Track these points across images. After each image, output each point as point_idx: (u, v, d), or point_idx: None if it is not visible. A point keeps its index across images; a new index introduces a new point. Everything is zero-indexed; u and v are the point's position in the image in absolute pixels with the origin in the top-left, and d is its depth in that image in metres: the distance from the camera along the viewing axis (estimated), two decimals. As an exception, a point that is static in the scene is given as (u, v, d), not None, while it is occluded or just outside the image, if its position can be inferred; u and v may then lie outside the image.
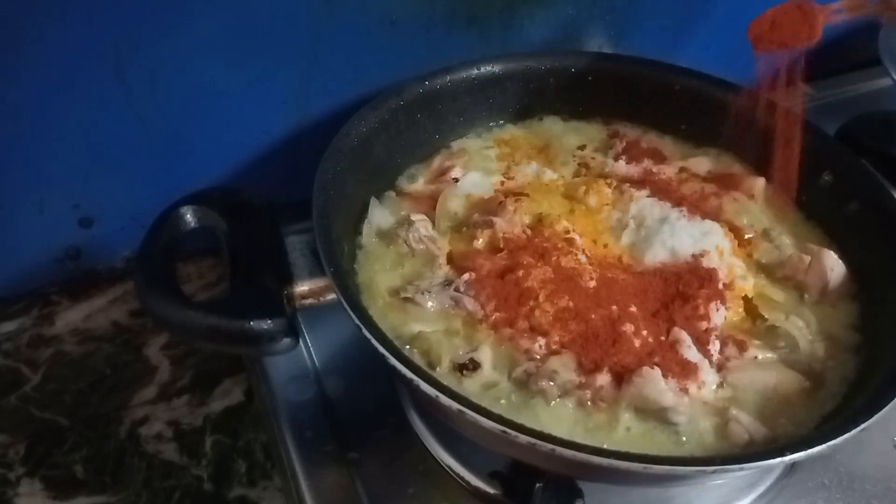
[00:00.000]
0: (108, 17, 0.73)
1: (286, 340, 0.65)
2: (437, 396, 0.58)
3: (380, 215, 0.78)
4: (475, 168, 0.83)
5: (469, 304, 0.70)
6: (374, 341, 0.61)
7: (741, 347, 0.70)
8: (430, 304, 0.70)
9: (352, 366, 0.78)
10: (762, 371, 0.68)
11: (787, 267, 0.76)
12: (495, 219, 0.76)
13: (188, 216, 0.71)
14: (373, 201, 0.78)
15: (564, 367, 0.66)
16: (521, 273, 0.71)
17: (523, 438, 0.56)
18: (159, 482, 0.81)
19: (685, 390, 0.66)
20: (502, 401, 0.65)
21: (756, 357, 0.70)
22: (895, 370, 0.65)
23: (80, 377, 0.86)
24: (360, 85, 0.85)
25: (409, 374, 0.59)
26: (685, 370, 0.67)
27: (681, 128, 0.89)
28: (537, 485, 0.64)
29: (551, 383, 0.65)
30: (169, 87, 0.79)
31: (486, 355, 0.67)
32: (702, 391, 0.66)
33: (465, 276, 0.71)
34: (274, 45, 0.81)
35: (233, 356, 0.87)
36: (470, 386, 0.66)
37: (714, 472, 0.57)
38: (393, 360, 0.60)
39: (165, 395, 0.86)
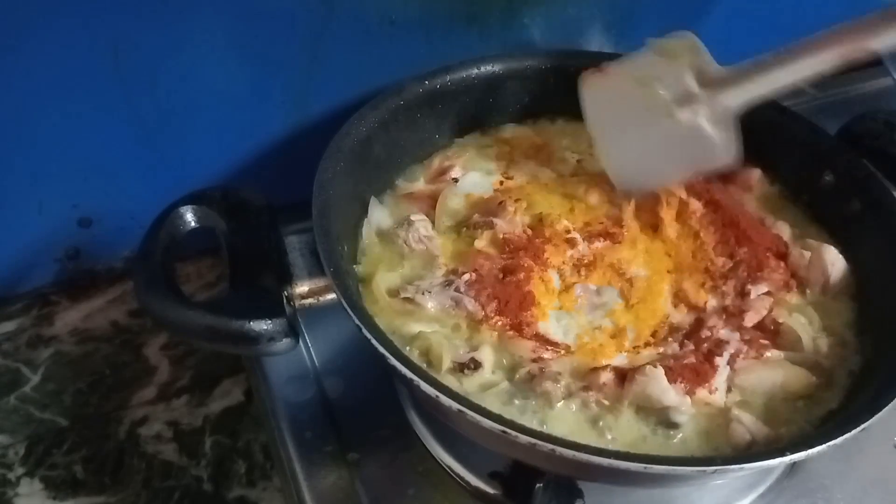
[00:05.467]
0: (107, 18, 0.73)
1: (286, 341, 0.65)
2: (437, 396, 0.58)
3: (380, 215, 0.78)
4: (475, 168, 0.83)
5: (469, 304, 0.70)
6: (373, 341, 0.61)
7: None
8: (430, 304, 0.70)
9: (352, 366, 0.78)
10: (769, 369, 0.68)
11: (788, 263, 0.76)
12: (496, 219, 0.76)
13: (188, 216, 0.71)
14: (373, 201, 0.78)
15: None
16: (521, 274, 0.71)
17: (523, 438, 0.56)
18: (159, 482, 0.81)
19: (692, 394, 0.65)
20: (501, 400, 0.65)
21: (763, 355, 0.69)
22: (895, 370, 0.65)
23: (79, 377, 0.86)
24: (360, 85, 0.84)
25: (409, 374, 0.59)
26: (698, 376, 0.66)
27: (681, 127, 0.89)
28: (537, 485, 0.64)
29: (556, 385, 0.64)
30: (169, 87, 0.79)
31: (486, 355, 0.67)
32: (714, 396, 0.66)
33: (466, 276, 0.71)
34: (273, 45, 0.80)
35: (232, 356, 0.87)
36: (470, 386, 0.65)
37: (714, 472, 0.57)
38: (393, 360, 0.60)
39: (165, 395, 0.86)
